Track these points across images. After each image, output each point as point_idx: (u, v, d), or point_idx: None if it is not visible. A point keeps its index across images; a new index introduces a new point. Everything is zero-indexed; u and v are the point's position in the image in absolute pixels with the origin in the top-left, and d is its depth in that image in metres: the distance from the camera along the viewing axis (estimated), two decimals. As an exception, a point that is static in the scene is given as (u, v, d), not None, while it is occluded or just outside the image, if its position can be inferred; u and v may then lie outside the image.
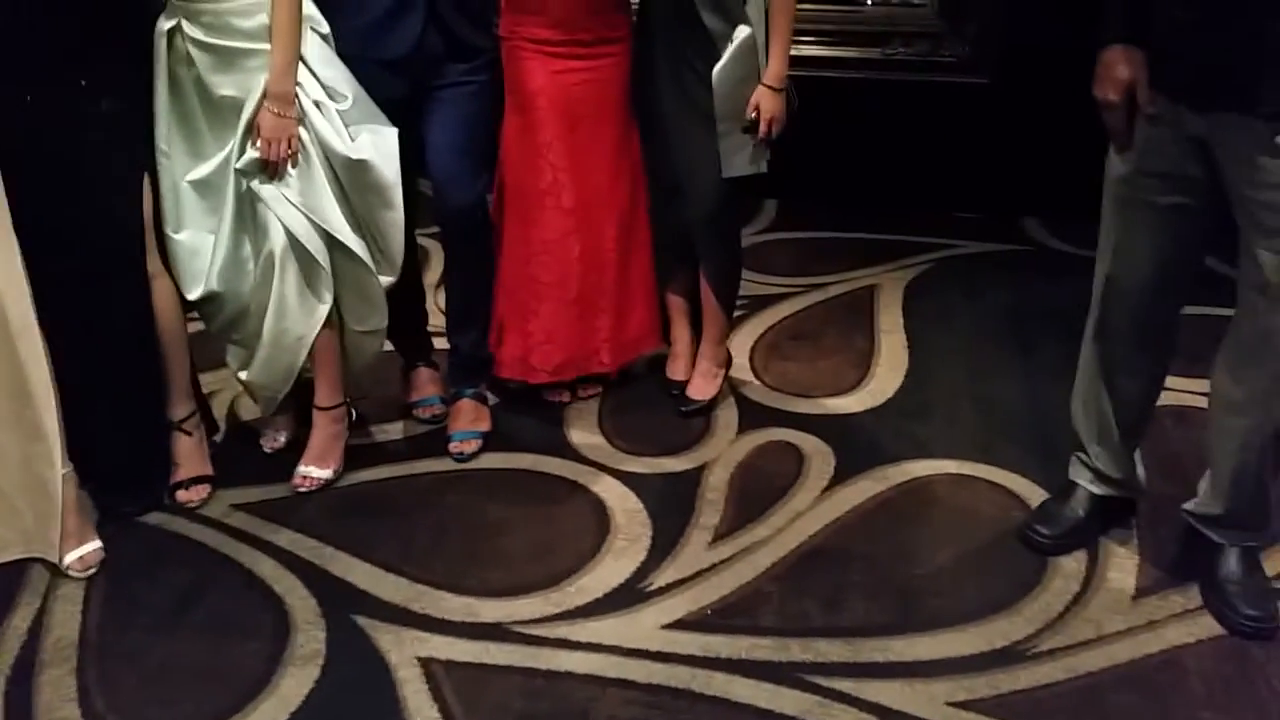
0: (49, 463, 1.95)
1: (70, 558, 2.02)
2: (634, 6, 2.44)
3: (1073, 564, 2.07)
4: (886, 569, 2.07)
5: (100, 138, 1.98)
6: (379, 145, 2.17)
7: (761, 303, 3.16)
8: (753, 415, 2.61)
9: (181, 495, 2.25)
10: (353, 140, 2.14)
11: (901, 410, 2.64)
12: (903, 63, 3.91)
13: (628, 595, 2.00)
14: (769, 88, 2.30)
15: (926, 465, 2.40)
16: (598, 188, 2.46)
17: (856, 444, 2.48)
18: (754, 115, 2.31)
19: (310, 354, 2.25)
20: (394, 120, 2.20)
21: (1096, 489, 2.12)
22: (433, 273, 2.94)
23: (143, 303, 2.11)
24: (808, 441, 2.49)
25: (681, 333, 2.70)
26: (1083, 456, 2.13)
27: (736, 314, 2.73)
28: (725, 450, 2.46)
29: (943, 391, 2.72)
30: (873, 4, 4.12)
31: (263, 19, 2.02)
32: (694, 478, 2.36)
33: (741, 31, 2.27)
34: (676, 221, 2.52)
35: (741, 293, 2.72)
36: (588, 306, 2.53)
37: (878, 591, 2.01)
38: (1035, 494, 2.27)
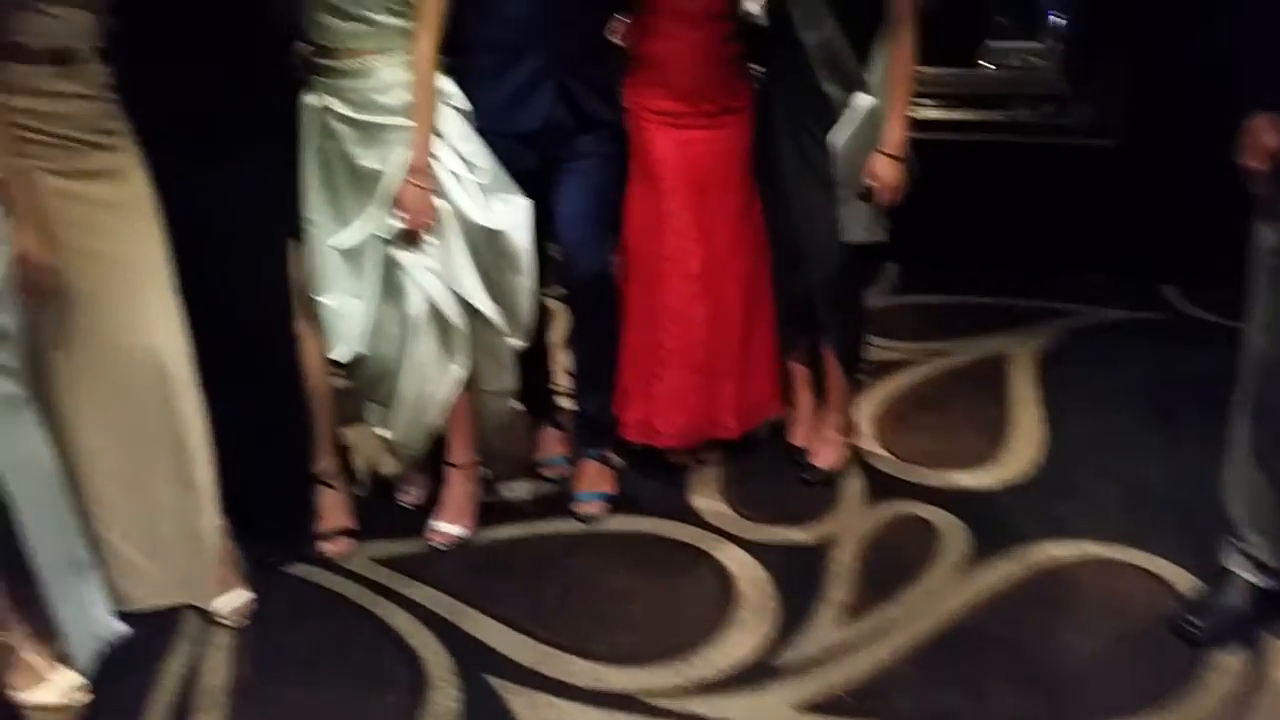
0: (202, 512, 2.03)
1: (222, 606, 2.11)
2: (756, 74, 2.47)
3: (1232, 660, 1.95)
4: (1030, 657, 1.98)
5: (255, 206, 2.09)
6: (512, 215, 2.24)
7: (886, 369, 3.10)
8: (880, 486, 2.55)
9: (326, 547, 2.33)
10: (487, 210, 2.21)
11: (1039, 487, 2.54)
12: (1026, 125, 3.85)
13: (757, 671, 1.96)
14: (887, 155, 2.29)
15: (1067, 547, 2.30)
16: (721, 254, 2.47)
17: (992, 521, 2.39)
18: (872, 183, 2.31)
19: (445, 413, 2.32)
20: (525, 189, 2.27)
21: (1255, 579, 1.99)
22: (557, 333, 2.99)
23: (292, 362, 2.21)
24: (940, 517, 2.42)
25: (805, 399, 2.67)
26: (1238, 543, 2.00)
27: (860, 380, 2.69)
28: (853, 522, 2.42)
29: (1082, 467, 2.60)
30: (994, 67, 4.08)
31: (404, 96, 2.12)
32: (821, 550, 2.31)
33: (861, 99, 2.27)
34: (798, 287, 2.51)
35: (865, 358, 2.68)
36: (712, 372, 2.53)
37: (1022, 681, 1.92)
38: (1186, 580, 2.15)
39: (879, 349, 3.13)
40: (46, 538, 1.82)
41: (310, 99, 2.16)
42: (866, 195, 2.31)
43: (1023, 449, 2.70)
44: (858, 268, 2.51)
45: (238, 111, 2.04)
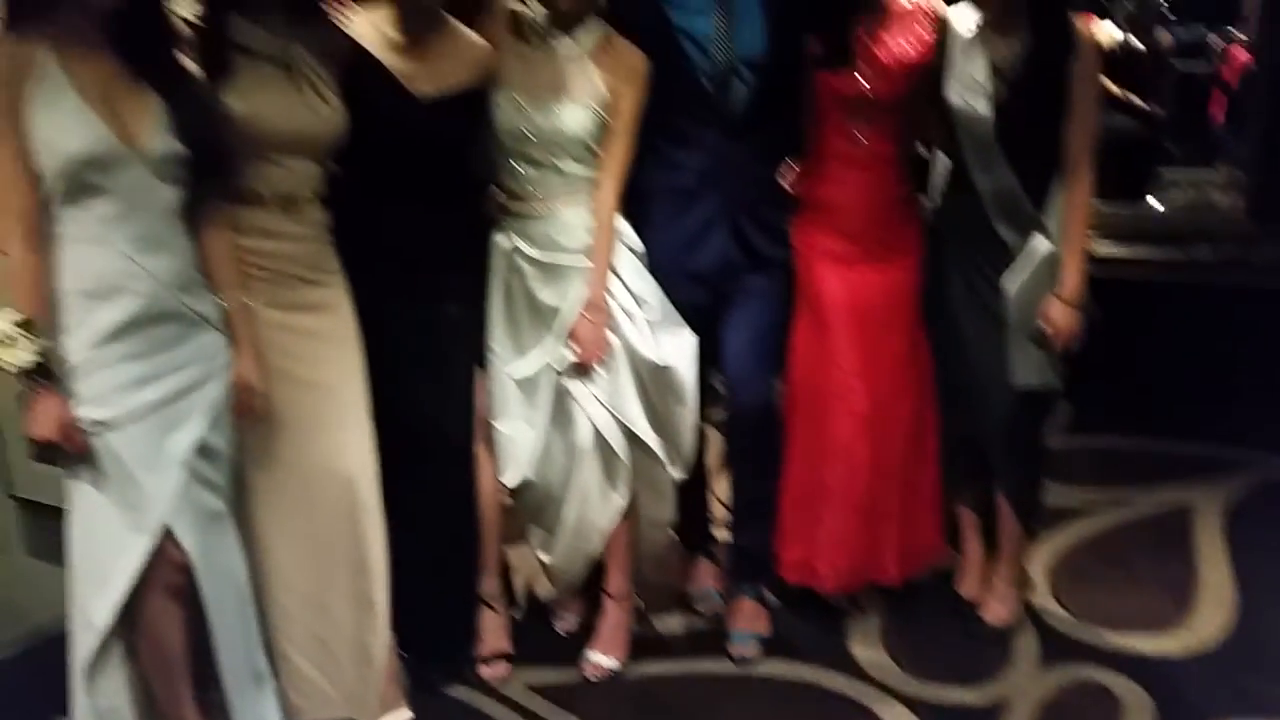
0: (375, 631, 2.10)
1: (385, 723, 2.15)
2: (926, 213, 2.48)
3: None
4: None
5: (446, 337, 2.22)
6: (679, 349, 2.29)
7: (1061, 516, 2.96)
8: (1055, 646, 2.41)
9: (485, 671, 2.36)
10: (656, 345, 2.28)
11: (1231, 658, 2.35)
12: (1209, 265, 3.70)
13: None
14: (1063, 301, 2.24)
15: (1261, 726, 2.11)
16: (887, 393, 2.44)
17: (1180, 694, 2.22)
18: (1046, 328, 2.25)
19: (605, 541, 2.35)
20: (693, 321, 2.32)
21: None
22: (714, 461, 3.00)
23: (469, 485, 2.29)
24: (1122, 686, 2.26)
25: (973, 547, 2.57)
26: None
27: (1034, 529, 2.57)
28: (1026, 685, 2.28)
29: (1276, 636, 2.40)
30: (1173, 206, 3.97)
31: (585, 238, 2.23)
32: (992, 714, 2.19)
33: (1039, 243, 2.24)
34: (968, 429, 2.45)
35: (1041, 506, 2.57)
36: (875, 514, 2.47)
37: None
38: None
39: (1053, 494, 2.98)
40: (234, 647, 1.92)
41: (499, 238, 2.29)
42: (1040, 340, 2.26)
43: (1210, 612, 2.51)
44: (1034, 412, 2.42)
45: (439, 250, 2.19)
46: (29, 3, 1.65)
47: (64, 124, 1.63)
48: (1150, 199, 4.10)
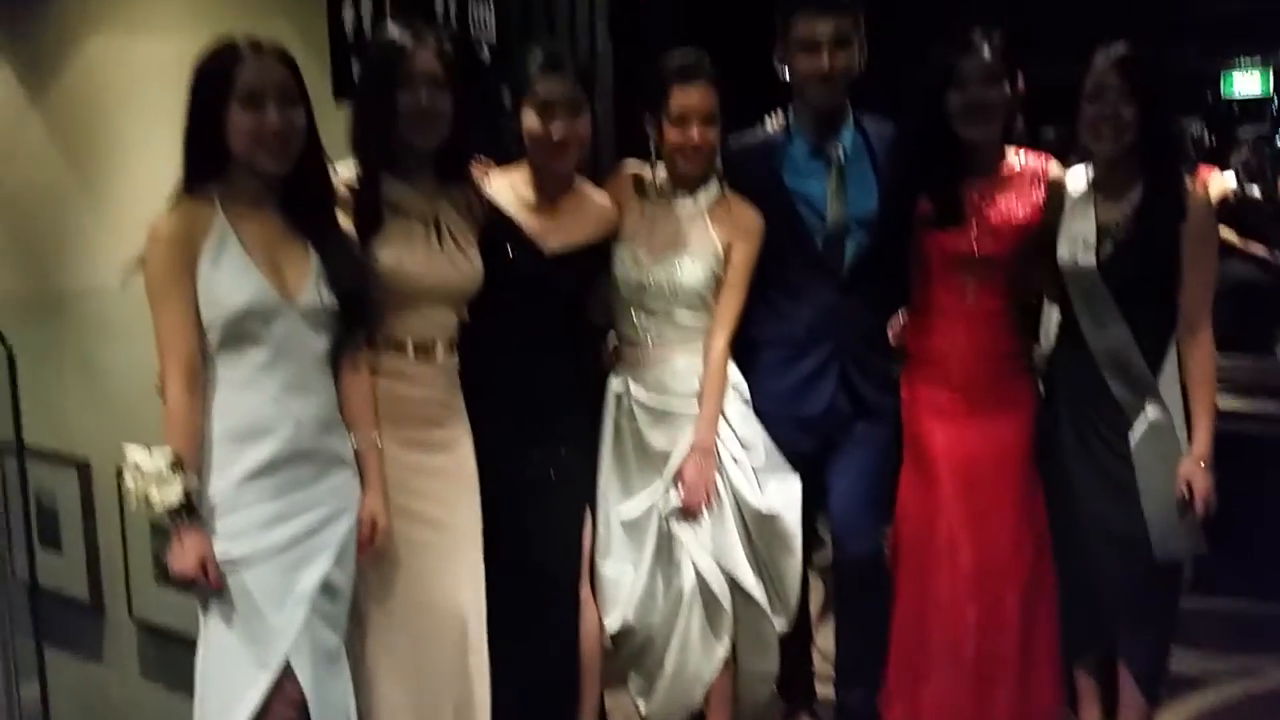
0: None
1: None
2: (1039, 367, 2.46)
3: None
4: None
5: (558, 479, 2.28)
6: (785, 496, 2.31)
7: (1185, 684, 2.81)
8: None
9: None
10: (762, 491, 2.30)
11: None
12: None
13: None
14: (1196, 463, 2.18)
15: None
16: (998, 551, 2.38)
17: None
18: (1186, 494, 2.18)
19: (705, 691, 2.32)
20: (800, 468, 2.35)
21: None
22: (816, 610, 2.95)
23: (574, 625, 2.31)
24: None
25: (1092, 715, 2.45)
26: None
27: (1158, 699, 2.44)
28: None
29: None
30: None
31: (694, 384, 2.29)
32: None
33: (1154, 411, 2.20)
34: (1086, 591, 2.37)
35: (1165, 676, 2.43)
36: (985, 675, 2.38)
37: None
38: None
39: (1176, 660, 2.82)
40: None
41: (614, 382, 2.38)
42: (1184, 508, 2.19)
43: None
44: (1168, 578, 2.32)
45: (559, 393, 2.28)
46: (206, 168, 1.82)
47: (231, 278, 1.77)
48: (1277, 351, 3.97)
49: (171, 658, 3.22)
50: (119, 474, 3.18)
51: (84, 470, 3.68)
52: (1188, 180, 2.24)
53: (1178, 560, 2.25)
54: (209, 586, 1.76)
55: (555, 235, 2.24)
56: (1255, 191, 4.43)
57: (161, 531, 3.19)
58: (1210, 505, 2.18)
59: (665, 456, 2.30)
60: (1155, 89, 2.18)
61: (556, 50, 2.32)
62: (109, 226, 3.35)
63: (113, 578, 3.48)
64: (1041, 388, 2.45)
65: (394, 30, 2.03)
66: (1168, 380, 2.22)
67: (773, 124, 2.45)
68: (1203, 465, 2.18)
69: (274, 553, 1.80)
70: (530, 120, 2.15)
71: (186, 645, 3.05)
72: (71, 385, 3.63)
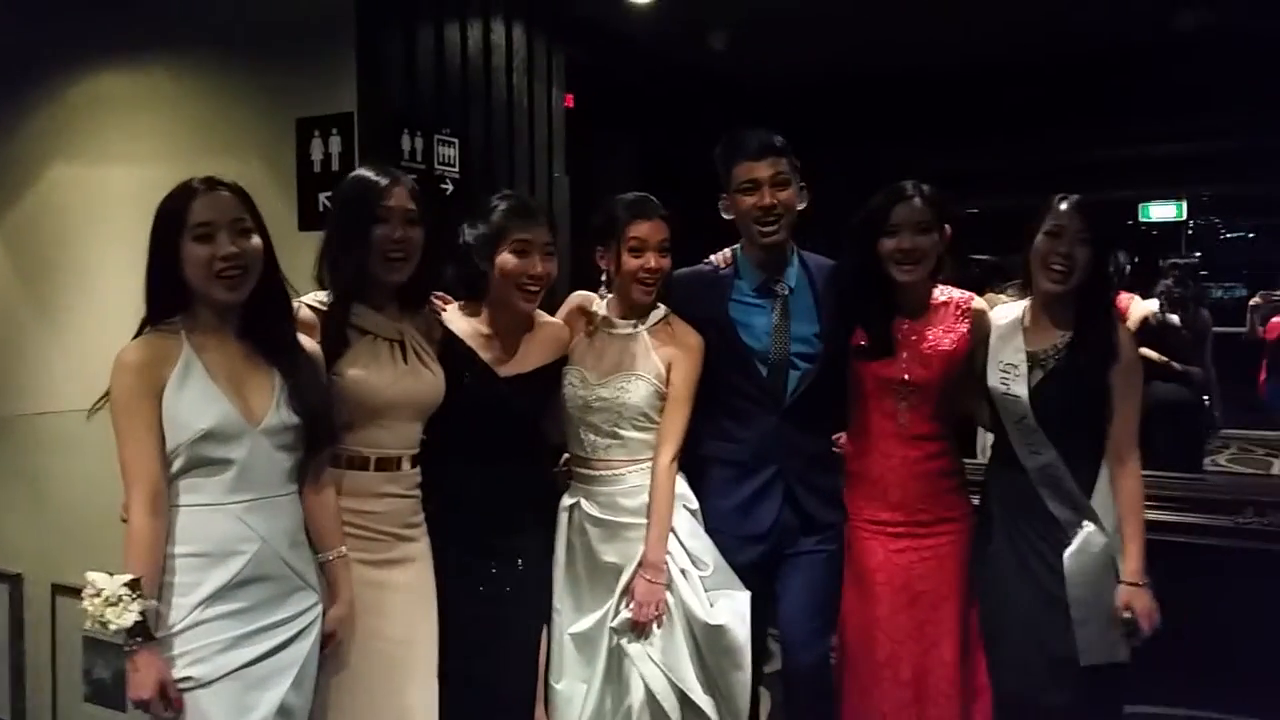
0: None
1: None
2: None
3: None
4: None
5: (516, 594, 2.33)
6: (734, 610, 2.35)
7: (1124, 795, 2.86)
8: None
9: None
10: (711, 605, 2.35)
11: None
12: (1259, 532, 3.69)
13: None
14: (1134, 585, 2.29)
15: None
16: (936, 662, 2.45)
17: None
18: (1128, 615, 2.28)
19: (656, 809, 2.31)
20: (749, 580, 2.40)
21: None
22: (763, 717, 2.95)
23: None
24: None
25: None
26: None
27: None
28: None
29: None
30: (1215, 471, 4.02)
31: (644, 499, 2.37)
32: None
33: (1090, 531, 2.31)
34: (1019, 703, 2.43)
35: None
36: (928, 786, 2.43)
37: None
38: None
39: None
40: None
41: (565, 499, 2.45)
42: (1130, 629, 2.28)
43: None
44: (1110, 689, 2.39)
45: (515, 508, 2.34)
46: (169, 301, 1.89)
47: (195, 402, 1.82)
48: (1204, 464, 4.15)
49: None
50: (53, 590, 3.17)
51: (15, 584, 3.61)
52: (1118, 320, 2.41)
53: (1115, 679, 2.32)
54: (167, 710, 1.76)
55: (510, 364, 2.35)
56: (1175, 319, 4.65)
57: (95, 648, 3.14)
58: (1154, 623, 2.28)
59: (617, 571, 2.36)
60: (1105, 234, 2.37)
61: (528, 200, 2.47)
62: (63, 349, 3.38)
63: (38, 694, 3.38)
64: (975, 501, 2.56)
65: (370, 170, 2.16)
66: (1102, 498, 2.33)
67: (720, 260, 2.61)
68: (1138, 585, 2.29)
69: (234, 674, 1.80)
70: (508, 261, 2.27)
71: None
72: (5, 500, 3.59)
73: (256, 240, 1.88)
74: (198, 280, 1.85)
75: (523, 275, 2.27)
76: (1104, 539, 2.31)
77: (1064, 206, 2.35)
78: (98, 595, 1.72)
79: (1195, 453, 4.67)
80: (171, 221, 1.85)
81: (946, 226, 2.47)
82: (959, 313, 2.51)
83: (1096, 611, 2.30)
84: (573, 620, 2.41)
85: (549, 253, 2.31)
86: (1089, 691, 2.33)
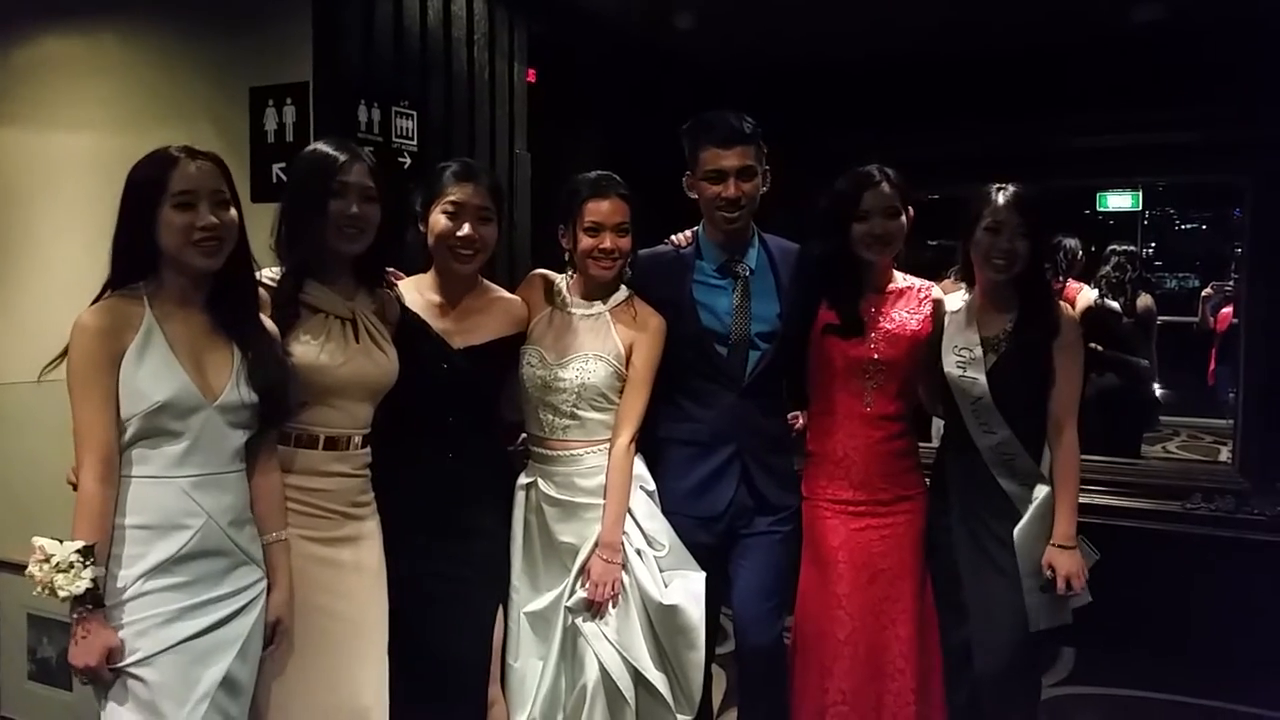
0: None
1: None
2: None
3: None
4: None
5: (471, 573, 2.31)
6: (689, 590, 2.37)
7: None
8: None
9: None
10: (666, 586, 2.36)
11: None
12: (1205, 517, 3.80)
13: None
14: (1060, 547, 2.35)
15: None
16: (895, 640, 2.50)
17: None
18: (1050, 574, 2.34)
19: (608, 788, 2.32)
20: (704, 561, 2.42)
21: None
22: (717, 698, 2.97)
23: (478, 721, 2.30)
24: None
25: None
26: None
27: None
28: None
29: None
30: (1164, 457, 4.11)
31: (601, 480, 2.37)
32: None
33: (1041, 491, 2.38)
34: (968, 679, 2.47)
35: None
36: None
37: None
38: None
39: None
40: None
41: (522, 479, 2.45)
42: (1048, 586, 2.35)
43: None
44: (1033, 660, 2.47)
45: (471, 487, 2.33)
46: (135, 268, 1.86)
47: (154, 373, 1.79)
48: (1150, 449, 4.24)
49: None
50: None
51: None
52: (1057, 299, 2.49)
53: (1041, 638, 2.39)
54: (110, 679, 1.74)
55: (462, 335, 2.33)
56: (1115, 305, 4.72)
57: (40, 624, 3.08)
58: (1074, 583, 2.34)
59: (573, 550, 2.36)
60: (1044, 224, 2.45)
61: (471, 162, 2.44)
62: (6, 320, 3.30)
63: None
64: (928, 482, 2.61)
65: (327, 145, 2.13)
66: (1046, 472, 2.40)
67: (681, 240, 2.61)
68: (1064, 547, 2.35)
69: (178, 647, 1.78)
70: (439, 221, 2.27)
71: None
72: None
73: (234, 213, 1.89)
74: (174, 247, 1.83)
75: (451, 236, 2.26)
76: (1046, 493, 2.38)
77: (1001, 200, 2.41)
78: (46, 561, 1.70)
79: (1135, 440, 4.75)
80: (150, 187, 1.83)
81: (910, 209, 2.51)
82: (921, 298, 2.57)
83: (1038, 579, 2.37)
84: (529, 599, 2.41)
85: (484, 217, 2.29)
86: (1032, 657, 2.41)
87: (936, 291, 2.60)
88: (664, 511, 2.45)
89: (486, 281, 2.42)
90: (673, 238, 2.63)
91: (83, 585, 1.70)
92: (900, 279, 2.59)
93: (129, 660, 1.76)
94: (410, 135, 2.95)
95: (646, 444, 2.46)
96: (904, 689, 2.49)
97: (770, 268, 2.56)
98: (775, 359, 2.52)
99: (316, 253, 2.08)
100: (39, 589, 1.72)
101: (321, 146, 2.13)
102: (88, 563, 1.71)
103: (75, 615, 1.73)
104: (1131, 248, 4.90)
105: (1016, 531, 2.38)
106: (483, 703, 2.32)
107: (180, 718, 1.77)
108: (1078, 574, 2.34)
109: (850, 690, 2.48)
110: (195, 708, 1.78)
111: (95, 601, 1.73)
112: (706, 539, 2.47)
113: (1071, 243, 5.05)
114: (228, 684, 1.83)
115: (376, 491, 2.20)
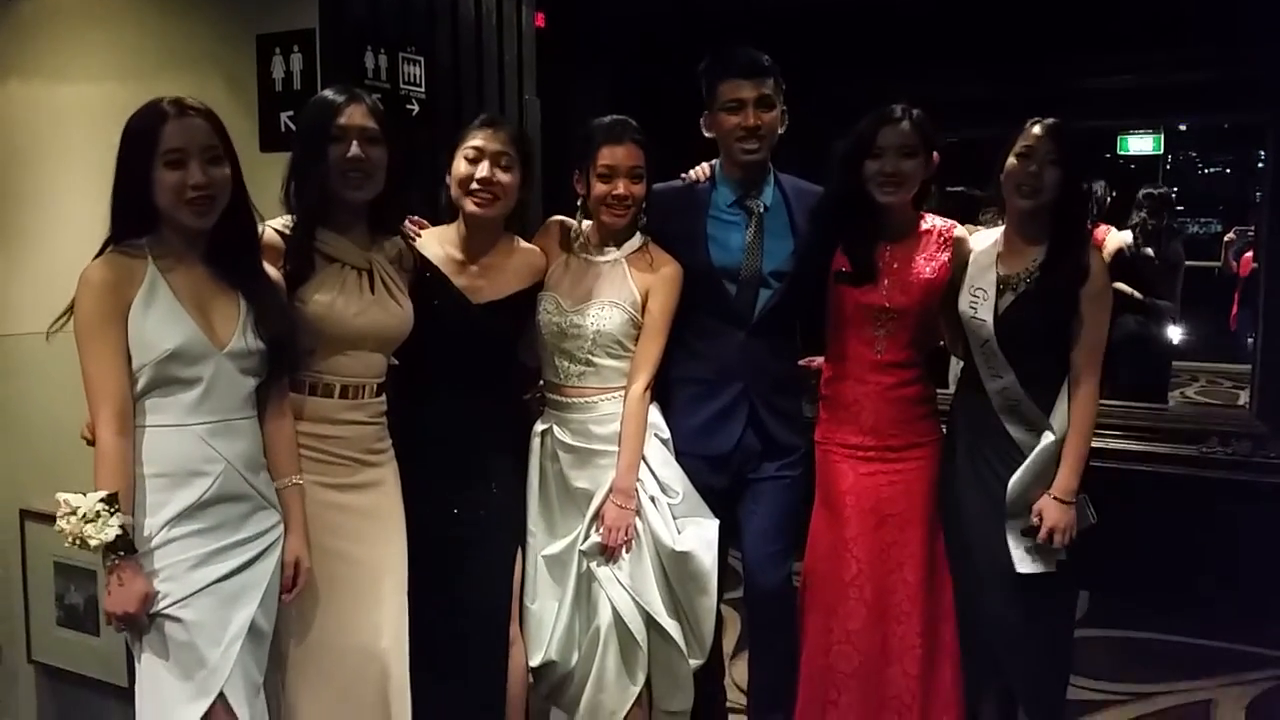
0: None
1: None
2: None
3: None
4: None
5: (490, 518, 2.34)
6: (701, 537, 2.38)
7: (1080, 709, 2.96)
8: None
9: None
10: (679, 532, 2.37)
11: None
12: (1222, 461, 3.78)
13: None
14: (1056, 499, 2.32)
15: None
16: (901, 584, 2.50)
17: None
18: (1036, 521, 2.32)
19: (620, 728, 2.37)
20: (713, 505, 2.43)
21: None
22: (730, 643, 3.00)
23: (502, 664, 2.34)
24: None
25: (992, 747, 2.56)
26: None
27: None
28: None
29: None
30: (1183, 402, 4.09)
31: (616, 426, 2.38)
32: None
33: (1046, 438, 2.34)
34: (981, 626, 2.48)
35: (1058, 708, 2.54)
36: (888, 702, 2.49)
37: None
38: None
39: (1071, 688, 2.99)
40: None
41: (538, 425, 2.46)
42: (1030, 531, 2.33)
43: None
44: (1045, 603, 2.42)
45: (489, 433, 2.35)
46: (135, 223, 1.86)
47: (161, 322, 1.81)
48: (1169, 396, 4.22)
49: (71, 702, 3.15)
50: (21, 515, 3.14)
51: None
52: (1090, 242, 2.43)
53: (1049, 582, 2.36)
54: (146, 625, 1.77)
55: (482, 290, 2.33)
56: (1150, 251, 4.67)
57: (67, 572, 3.14)
58: (1056, 538, 2.30)
59: (588, 496, 2.38)
60: (1077, 158, 2.38)
61: (499, 116, 2.43)
62: (19, 270, 3.31)
63: (9, 620, 3.38)
64: (944, 429, 2.59)
65: (330, 90, 2.12)
66: (1059, 420, 2.35)
67: (697, 174, 2.58)
68: (1059, 500, 2.32)
69: (208, 589, 1.81)
70: (459, 166, 2.27)
71: (87, 688, 3.00)
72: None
73: (226, 169, 1.87)
74: (167, 205, 1.83)
75: (470, 180, 2.25)
76: (1055, 443, 2.34)
77: (1036, 130, 2.36)
78: (74, 514, 1.72)
79: (1161, 385, 4.73)
80: (141, 144, 1.82)
81: (934, 154, 2.45)
82: (941, 241, 2.52)
83: (1024, 521, 2.35)
84: (545, 543, 2.44)
85: (504, 164, 2.28)
86: (1041, 603, 2.37)
87: (960, 231, 2.55)
88: (675, 453, 2.45)
89: (507, 234, 2.41)
90: (689, 172, 2.60)
91: (112, 532, 1.72)
92: (925, 222, 2.53)
93: (163, 604, 1.78)
94: (418, 81, 2.91)
95: (659, 386, 2.46)
96: (909, 633, 2.50)
97: (785, 206, 2.54)
98: (784, 298, 2.50)
99: (322, 200, 2.08)
100: (70, 540, 1.73)
101: (324, 93, 2.12)
102: (114, 510, 1.73)
103: (109, 564, 1.75)
104: (1165, 189, 4.83)
105: (1013, 476, 2.35)
106: (505, 643, 2.35)
107: (215, 657, 1.81)
108: (1064, 530, 2.29)
109: (855, 631, 2.49)
110: (229, 647, 1.82)
111: (127, 548, 1.75)
112: (715, 482, 2.48)
113: (1098, 186, 4.98)
114: (253, 630, 1.86)
115: (394, 438, 2.21)
